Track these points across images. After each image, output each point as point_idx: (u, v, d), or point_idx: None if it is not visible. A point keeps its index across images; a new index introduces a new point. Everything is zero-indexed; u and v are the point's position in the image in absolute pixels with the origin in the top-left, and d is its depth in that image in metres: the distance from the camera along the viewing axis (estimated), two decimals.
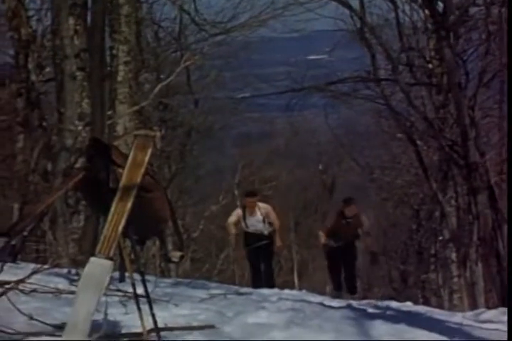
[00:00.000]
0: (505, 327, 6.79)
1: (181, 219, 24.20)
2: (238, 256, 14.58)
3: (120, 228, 3.69)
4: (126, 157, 3.91)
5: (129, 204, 3.73)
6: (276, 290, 8.56)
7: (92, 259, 3.63)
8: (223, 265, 27.75)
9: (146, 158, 3.88)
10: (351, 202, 12.94)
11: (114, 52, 12.10)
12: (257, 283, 12.19)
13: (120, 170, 3.90)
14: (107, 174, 3.99)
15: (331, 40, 19.78)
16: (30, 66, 13.51)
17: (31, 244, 10.32)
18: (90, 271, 3.61)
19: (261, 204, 12.79)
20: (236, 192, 28.35)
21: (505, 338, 5.76)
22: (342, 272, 13.06)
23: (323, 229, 13.00)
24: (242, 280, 11.97)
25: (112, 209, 3.73)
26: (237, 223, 12.77)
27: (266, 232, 12.62)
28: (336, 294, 12.90)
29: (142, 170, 3.85)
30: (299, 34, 22.94)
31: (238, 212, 12.87)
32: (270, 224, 12.66)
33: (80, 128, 10.05)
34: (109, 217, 3.71)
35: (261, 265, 12.72)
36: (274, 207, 13.23)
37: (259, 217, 12.61)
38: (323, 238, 12.80)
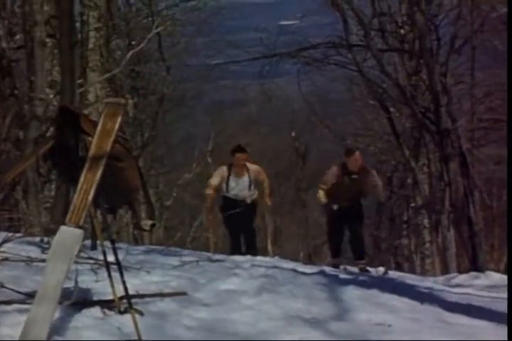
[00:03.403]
0: (474, 291, 6.90)
1: (154, 187, 24.20)
2: (212, 223, 13.12)
3: (90, 197, 3.68)
4: (95, 125, 3.87)
5: (99, 174, 3.71)
6: (248, 257, 8.57)
7: (62, 228, 3.62)
8: (196, 233, 27.80)
9: (116, 126, 3.85)
10: (354, 151, 11.16)
11: (85, 18, 11.96)
12: (236, 253, 10.42)
13: (90, 139, 3.87)
14: (76, 142, 3.97)
15: (303, 6, 19.70)
16: (1, 33, 13.34)
17: (4, 213, 10.27)
18: (60, 240, 3.60)
19: (250, 165, 11.13)
20: (209, 160, 28.35)
21: (475, 301, 5.85)
22: (343, 237, 11.39)
23: (323, 186, 11.14)
24: (216, 248, 11.78)
25: (82, 178, 3.70)
26: (218, 187, 11.10)
27: (249, 200, 11.04)
28: (334, 262, 11.32)
29: (112, 138, 3.81)
30: None
31: (223, 171, 11.11)
32: (254, 190, 11.11)
33: (51, 96, 9.96)
34: (79, 186, 3.69)
35: (241, 233, 11.13)
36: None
37: (246, 181, 10.99)
38: (322, 198, 11.08)
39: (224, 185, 11.02)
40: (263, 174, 11.20)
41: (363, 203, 11.43)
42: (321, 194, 11.11)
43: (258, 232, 11.98)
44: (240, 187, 11.00)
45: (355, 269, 10.72)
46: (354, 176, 10.84)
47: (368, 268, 10.92)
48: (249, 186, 11.03)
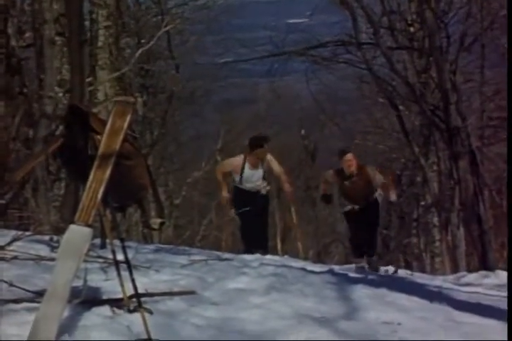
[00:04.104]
0: (484, 290, 6.89)
1: (164, 185, 24.21)
2: (222, 222, 12.64)
3: (99, 196, 3.67)
4: (104, 124, 3.87)
5: (108, 172, 3.71)
6: (258, 256, 8.56)
7: (71, 227, 3.62)
8: (205, 231, 27.82)
9: (125, 125, 3.85)
10: (347, 151, 10.87)
11: (94, 16, 11.97)
12: (250, 247, 10.14)
13: (99, 137, 3.86)
14: (85, 141, 3.97)
15: (312, 4, 19.65)
16: (10, 31, 13.36)
17: (14, 211, 10.29)
18: (69, 239, 3.60)
19: (268, 156, 10.53)
20: (219, 158, 28.36)
21: (485, 300, 5.83)
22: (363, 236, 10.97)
23: (322, 182, 11.24)
24: (225, 246, 11.68)
25: (91, 176, 3.70)
26: (227, 175, 10.65)
27: (264, 191, 10.58)
28: (358, 262, 10.97)
29: (121, 137, 3.81)
30: None
31: (235, 161, 10.63)
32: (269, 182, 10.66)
33: (60, 94, 9.97)
34: (88, 185, 3.69)
35: (255, 227, 10.54)
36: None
37: (261, 172, 10.50)
38: (323, 191, 11.10)
39: (237, 177, 10.50)
40: (273, 161, 10.55)
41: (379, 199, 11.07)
42: (323, 186, 11.17)
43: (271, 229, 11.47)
44: (255, 179, 10.50)
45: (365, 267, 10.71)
46: (354, 179, 10.58)
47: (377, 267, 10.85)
48: (264, 177, 10.54)
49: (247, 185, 10.50)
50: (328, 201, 11.41)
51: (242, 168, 10.41)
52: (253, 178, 10.47)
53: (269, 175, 10.72)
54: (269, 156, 10.52)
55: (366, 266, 10.68)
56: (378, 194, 10.89)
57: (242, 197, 10.55)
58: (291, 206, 11.55)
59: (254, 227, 10.53)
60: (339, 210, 11.98)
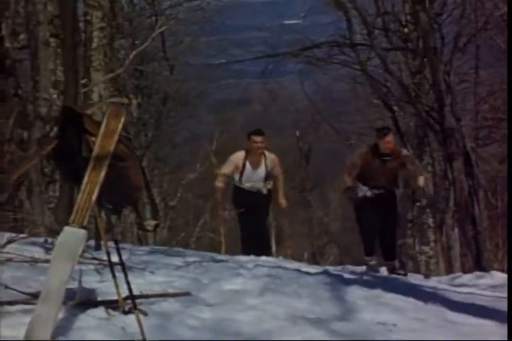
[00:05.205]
0: (479, 291, 6.89)
1: (158, 187, 24.21)
2: (219, 222, 12.05)
3: (93, 197, 3.67)
4: (99, 125, 3.87)
5: (102, 174, 3.71)
6: (252, 257, 8.56)
7: (66, 228, 3.62)
8: (200, 233, 27.80)
9: (120, 126, 3.85)
10: (388, 132, 9.87)
11: (88, 18, 11.96)
12: (248, 249, 9.74)
13: (93, 139, 3.86)
14: (80, 143, 3.97)
15: (306, 5, 19.70)
16: (4, 32, 13.35)
17: (8, 213, 10.27)
18: (64, 240, 3.60)
19: (268, 154, 10.16)
20: (213, 160, 28.34)
21: (479, 301, 5.84)
22: (376, 229, 9.86)
23: (346, 173, 9.75)
24: (220, 248, 11.59)
25: (85, 178, 3.70)
26: (229, 177, 10.24)
27: (265, 191, 10.14)
28: (369, 260, 9.98)
29: (115, 138, 3.81)
30: None
31: (238, 159, 10.11)
32: (271, 180, 10.19)
33: (54, 96, 9.97)
34: (83, 187, 3.69)
35: (255, 228, 10.15)
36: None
37: (263, 172, 10.09)
38: (347, 179, 9.64)
39: (237, 176, 10.12)
40: (279, 166, 10.24)
41: (397, 193, 10.29)
42: (346, 178, 9.67)
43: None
44: (256, 179, 10.11)
45: (359, 268, 10.68)
46: (386, 158, 9.59)
47: (399, 271, 10.22)
48: (266, 177, 10.12)
49: (247, 185, 10.16)
50: (353, 195, 9.80)
51: (243, 167, 10.06)
52: (254, 178, 10.12)
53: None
54: (275, 158, 10.22)
55: (379, 267, 10.04)
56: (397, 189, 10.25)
57: (242, 197, 10.19)
58: (283, 219, 11.34)
59: (254, 229, 10.18)
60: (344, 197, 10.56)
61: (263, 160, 10.11)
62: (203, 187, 27.33)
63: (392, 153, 9.64)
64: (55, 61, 10.01)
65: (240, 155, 10.14)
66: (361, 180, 9.68)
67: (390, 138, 9.65)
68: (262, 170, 10.11)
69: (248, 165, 10.09)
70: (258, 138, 10.00)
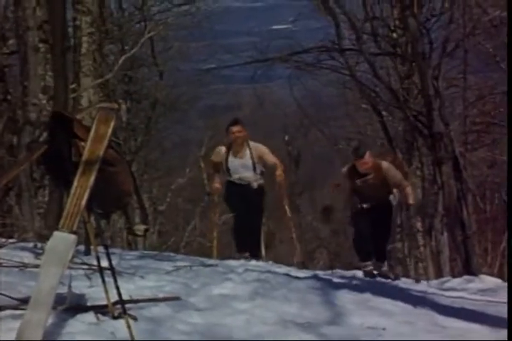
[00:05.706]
0: (468, 295, 6.92)
1: (148, 192, 24.18)
2: (211, 226, 11.82)
3: (83, 202, 3.68)
4: (88, 130, 3.87)
5: (92, 179, 3.71)
6: (242, 262, 8.56)
7: (56, 233, 3.62)
8: (190, 237, 27.77)
9: (109, 131, 3.85)
10: (363, 152, 9.78)
11: (77, 23, 11.96)
12: (242, 248, 9.82)
13: (83, 144, 3.87)
14: (69, 148, 3.97)
15: (295, 10, 19.73)
16: None
17: None
18: (53, 245, 3.60)
19: (252, 144, 9.98)
20: (203, 165, 28.33)
21: (468, 305, 5.86)
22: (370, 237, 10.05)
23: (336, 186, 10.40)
24: (210, 252, 11.50)
25: (75, 183, 3.71)
26: (219, 166, 10.08)
27: (255, 184, 9.94)
28: (364, 265, 10.19)
29: (105, 143, 3.82)
30: (263, 4, 22.96)
31: (220, 150, 10.09)
32: (262, 173, 10.01)
33: (44, 101, 9.95)
34: (72, 192, 3.69)
35: (245, 226, 9.95)
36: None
37: (249, 162, 9.90)
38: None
39: (224, 167, 9.99)
40: (268, 154, 9.99)
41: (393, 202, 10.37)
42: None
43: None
44: (243, 170, 9.91)
45: (349, 273, 10.70)
46: (368, 177, 9.78)
47: (389, 274, 10.42)
48: (254, 168, 9.89)
49: (235, 176, 9.95)
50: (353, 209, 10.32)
51: (227, 157, 9.94)
52: (240, 168, 9.93)
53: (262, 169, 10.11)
54: (262, 148, 10.06)
55: (375, 272, 10.18)
56: (393, 197, 10.26)
57: (233, 191, 10.02)
58: (284, 197, 10.89)
59: (245, 227, 10.00)
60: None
61: (247, 150, 9.94)
62: (193, 192, 27.35)
63: (372, 170, 9.74)
64: (44, 66, 9.99)
65: (222, 148, 10.09)
66: (357, 195, 10.02)
67: (366, 159, 9.67)
68: (247, 160, 9.93)
69: (231, 156, 9.95)
70: (235, 128, 9.90)
